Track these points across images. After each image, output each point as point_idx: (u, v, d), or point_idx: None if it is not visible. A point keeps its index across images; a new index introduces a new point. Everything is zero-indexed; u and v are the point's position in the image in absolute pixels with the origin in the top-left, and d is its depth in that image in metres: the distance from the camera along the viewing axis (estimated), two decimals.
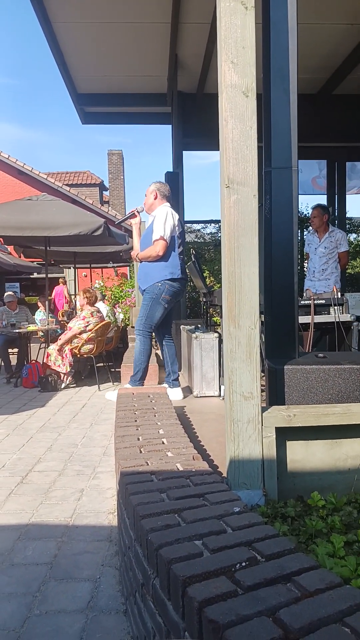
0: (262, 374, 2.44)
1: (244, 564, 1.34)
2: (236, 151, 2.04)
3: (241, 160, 2.04)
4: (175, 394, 4.31)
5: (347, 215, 8.08)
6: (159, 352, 6.89)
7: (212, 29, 5.24)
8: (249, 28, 2.05)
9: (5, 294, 8.41)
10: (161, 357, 4.70)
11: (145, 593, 1.59)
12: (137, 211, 4.55)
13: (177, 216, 4.25)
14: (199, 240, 8.50)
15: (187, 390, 4.91)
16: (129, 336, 7.64)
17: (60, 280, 15.32)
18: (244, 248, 2.05)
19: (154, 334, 4.48)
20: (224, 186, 2.06)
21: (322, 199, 7.80)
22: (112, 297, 8.68)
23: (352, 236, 8.77)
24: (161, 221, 4.12)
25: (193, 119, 6.85)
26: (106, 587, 2.10)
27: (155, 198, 4.34)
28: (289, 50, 2.49)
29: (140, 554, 1.65)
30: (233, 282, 2.06)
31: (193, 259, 4.74)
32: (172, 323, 4.67)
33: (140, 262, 4.30)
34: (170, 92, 6.76)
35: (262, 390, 2.29)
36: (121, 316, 8.26)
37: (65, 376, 6.56)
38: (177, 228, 4.23)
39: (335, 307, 4.25)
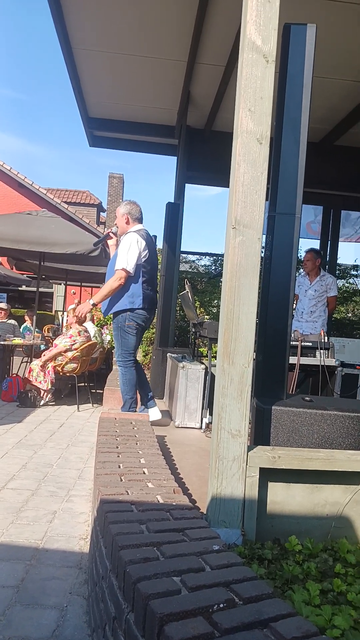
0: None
1: (221, 605, 1.33)
2: (245, 195, 2.11)
3: (249, 204, 2.11)
4: (154, 414, 4.29)
5: (338, 261, 8.28)
6: None
7: (226, 72, 5.43)
8: (268, 80, 2.15)
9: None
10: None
11: (116, 627, 1.56)
12: (112, 232, 4.56)
13: (143, 243, 4.10)
14: (192, 271, 8.59)
15: (167, 414, 4.89)
16: (113, 358, 7.61)
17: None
18: (244, 288, 2.10)
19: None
20: (230, 227, 2.12)
21: (315, 244, 7.99)
22: (101, 318, 8.69)
23: (341, 282, 8.95)
24: (124, 250, 4.02)
25: (199, 153, 7.02)
26: (72, 617, 2.06)
27: (127, 222, 4.27)
28: (302, 103, 2.60)
29: (116, 585, 1.62)
30: (231, 320, 2.10)
31: (187, 289, 4.78)
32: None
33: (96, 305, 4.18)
34: (179, 126, 6.93)
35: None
36: (108, 338, 8.25)
37: (46, 393, 6.49)
38: (143, 256, 4.09)
39: (322, 351, 4.31)
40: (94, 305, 4.14)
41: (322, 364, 4.13)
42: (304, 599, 1.64)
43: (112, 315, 4.28)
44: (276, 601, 1.36)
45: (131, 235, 4.12)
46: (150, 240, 4.26)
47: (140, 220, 4.30)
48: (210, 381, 4.43)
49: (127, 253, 4.02)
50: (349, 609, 1.64)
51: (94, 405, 6.74)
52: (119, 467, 2.46)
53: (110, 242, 4.58)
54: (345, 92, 5.68)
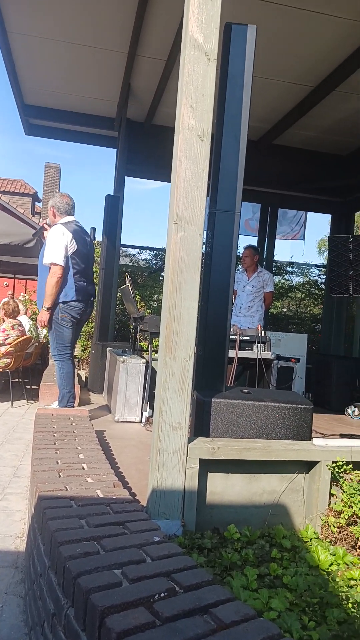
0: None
1: (162, 594, 1.35)
2: (187, 191, 2.13)
3: (191, 200, 2.13)
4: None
5: (275, 258, 8.53)
6: (80, 372, 6.78)
7: (167, 67, 5.43)
8: (209, 78, 2.17)
9: None
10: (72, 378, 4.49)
11: (56, 624, 1.54)
12: (47, 224, 4.47)
13: (69, 235, 4.01)
14: (133, 265, 8.55)
15: (106, 409, 4.86)
16: (49, 353, 7.43)
17: None
18: (186, 283, 2.12)
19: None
20: (172, 222, 2.13)
21: (253, 240, 8.18)
22: (36, 312, 8.45)
23: (277, 278, 9.24)
24: (50, 245, 3.97)
25: (139, 147, 6.97)
26: (9, 617, 2.01)
27: (54, 215, 4.22)
28: (242, 101, 2.65)
29: (55, 582, 1.60)
30: (173, 314, 2.11)
31: (127, 283, 4.75)
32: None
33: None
34: (119, 118, 6.85)
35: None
36: (44, 332, 8.03)
37: None
38: (70, 248, 4.01)
39: (258, 345, 4.44)
40: (49, 308, 3.99)
41: (259, 357, 4.26)
42: (242, 584, 1.69)
43: None
44: (216, 587, 1.40)
45: (55, 228, 4.05)
46: (80, 232, 4.17)
47: (69, 212, 4.22)
48: (151, 375, 4.45)
49: (52, 247, 3.95)
50: (285, 592, 1.72)
51: (29, 401, 6.57)
52: (57, 463, 2.42)
53: (46, 234, 4.48)
54: (284, 93, 5.85)
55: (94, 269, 6.88)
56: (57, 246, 3.95)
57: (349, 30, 4.52)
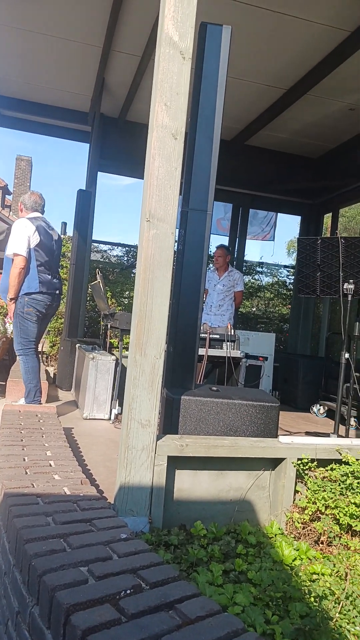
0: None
1: (128, 591, 1.36)
2: (160, 189, 2.13)
3: (163, 199, 2.13)
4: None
5: (245, 258, 8.61)
6: (49, 368, 6.69)
7: (142, 63, 5.40)
8: (184, 76, 2.18)
9: None
10: (41, 373, 4.43)
11: (20, 622, 1.53)
12: None
13: (32, 228, 4.03)
14: (104, 261, 8.48)
15: (74, 406, 4.82)
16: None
17: None
18: (157, 280, 2.13)
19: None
20: (144, 219, 2.13)
21: (224, 240, 8.24)
22: (3, 306, 8.30)
23: (247, 278, 9.32)
24: (13, 237, 4.01)
25: (112, 142, 6.92)
26: None
27: (21, 211, 4.27)
28: (216, 102, 2.67)
29: (19, 580, 1.59)
30: (144, 312, 2.12)
31: (98, 279, 4.72)
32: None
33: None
34: (93, 113, 6.77)
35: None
36: (11, 327, 7.90)
37: None
38: (33, 240, 4.03)
39: (228, 343, 4.48)
40: (13, 299, 4.00)
41: (228, 355, 4.30)
42: (207, 579, 1.71)
43: None
44: (181, 583, 1.42)
45: (19, 221, 4.08)
46: (45, 226, 4.18)
47: (35, 209, 4.23)
48: (120, 372, 4.43)
49: (14, 238, 3.98)
50: (249, 587, 1.75)
51: None
52: (24, 460, 2.40)
53: None
54: (257, 94, 5.90)
55: (64, 264, 6.82)
56: (19, 237, 3.96)
57: (322, 35, 4.59)
